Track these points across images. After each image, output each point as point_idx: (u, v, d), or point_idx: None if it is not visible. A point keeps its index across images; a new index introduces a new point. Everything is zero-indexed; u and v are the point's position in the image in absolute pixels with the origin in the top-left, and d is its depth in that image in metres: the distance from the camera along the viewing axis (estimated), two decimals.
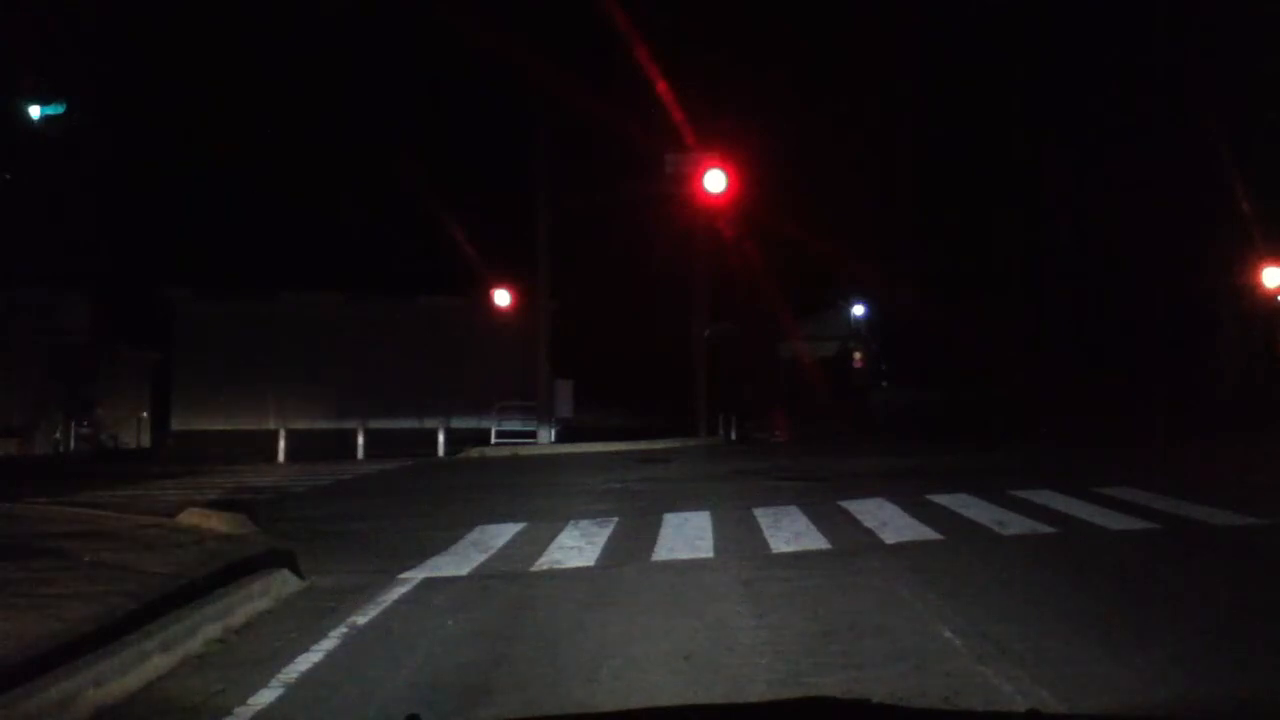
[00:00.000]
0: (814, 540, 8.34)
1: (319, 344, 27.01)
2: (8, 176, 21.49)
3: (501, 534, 9.23)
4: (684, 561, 7.64)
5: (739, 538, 8.58)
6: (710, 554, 7.89)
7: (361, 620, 6.07)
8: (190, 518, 9.39)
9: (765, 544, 8.24)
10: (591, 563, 7.76)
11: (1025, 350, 30.75)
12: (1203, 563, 7.32)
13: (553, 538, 8.88)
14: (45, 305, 23.65)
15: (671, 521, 9.54)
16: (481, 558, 8.09)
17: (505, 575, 7.38)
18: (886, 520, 9.13)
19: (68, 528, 8.76)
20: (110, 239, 26.38)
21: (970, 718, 3.44)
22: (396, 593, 6.84)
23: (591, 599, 6.49)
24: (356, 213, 29.73)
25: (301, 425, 24.40)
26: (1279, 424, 21.34)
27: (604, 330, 29.70)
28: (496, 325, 25.92)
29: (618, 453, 21.24)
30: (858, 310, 43.87)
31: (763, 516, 9.66)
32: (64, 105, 15.24)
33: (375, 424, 23.93)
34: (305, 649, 5.42)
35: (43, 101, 15.08)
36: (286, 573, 6.99)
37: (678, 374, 27.15)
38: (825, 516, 9.53)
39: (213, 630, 5.63)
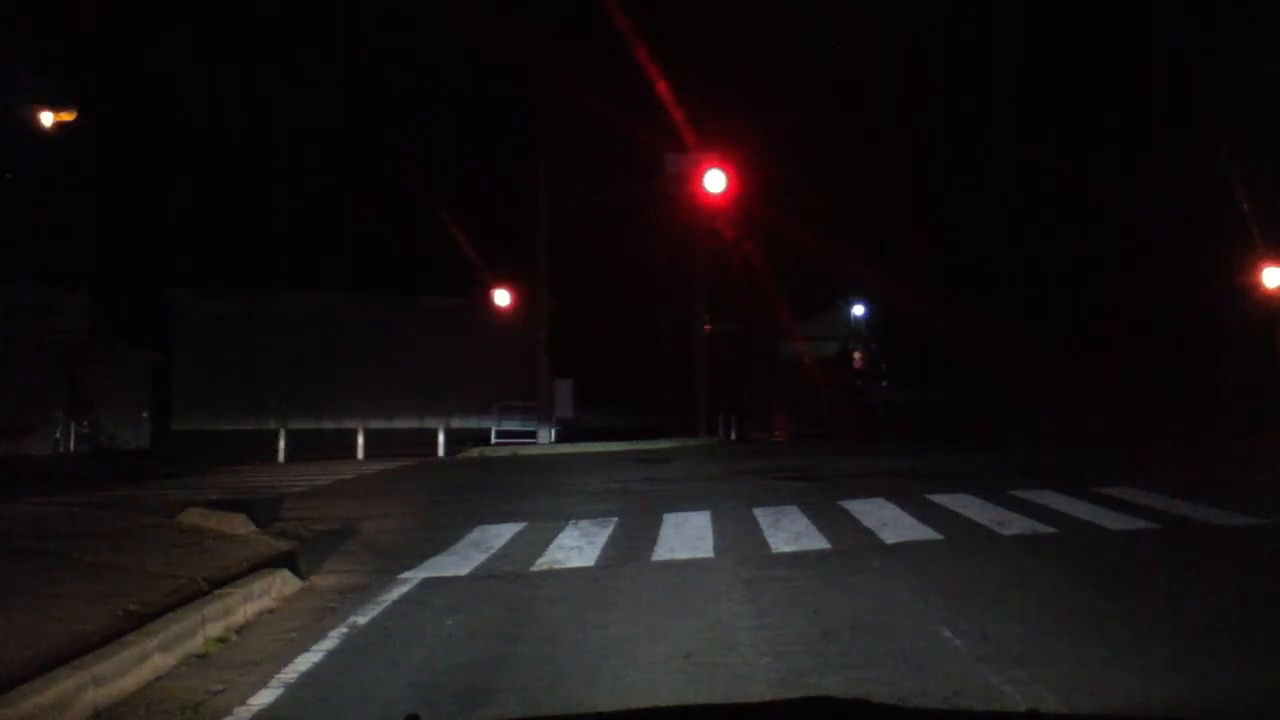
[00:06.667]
0: (814, 540, 8.34)
1: (319, 344, 27.01)
2: (8, 176, 21.45)
3: (501, 534, 9.23)
4: (684, 561, 7.64)
5: (739, 538, 8.58)
6: (710, 554, 7.89)
7: (361, 620, 6.07)
8: (190, 517, 9.39)
9: (765, 544, 8.23)
10: (591, 562, 7.76)
11: (1025, 350, 30.78)
12: (1203, 562, 7.32)
13: (553, 537, 8.88)
14: (45, 305, 23.63)
15: (671, 521, 9.54)
16: (481, 558, 8.09)
17: (505, 575, 7.37)
18: (886, 520, 9.13)
19: (67, 528, 8.76)
20: (110, 239, 26.38)
21: (970, 718, 3.43)
22: (396, 593, 6.84)
23: (592, 599, 6.49)
24: (356, 213, 29.72)
25: (301, 425, 24.41)
26: (1279, 424, 21.36)
27: (604, 330, 29.70)
28: (496, 325, 25.92)
29: (618, 453, 21.24)
30: (858, 310, 43.93)
31: (763, 516, 9.66)
32: (75, 111, 15.18)
33: (375, 424, 23.94)
34: (305, 649, 5.43)
35: (54, 108, 15.04)
36: (286, 573, 6.99)
37: (678, 374, 27.16)
38: (825, 516, 9.53)
39: (213, 630, 5.63)
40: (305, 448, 22.14)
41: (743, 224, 26.39)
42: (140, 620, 5.40)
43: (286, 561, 7.57)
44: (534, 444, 23.93)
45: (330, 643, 5.57)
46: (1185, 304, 28.03)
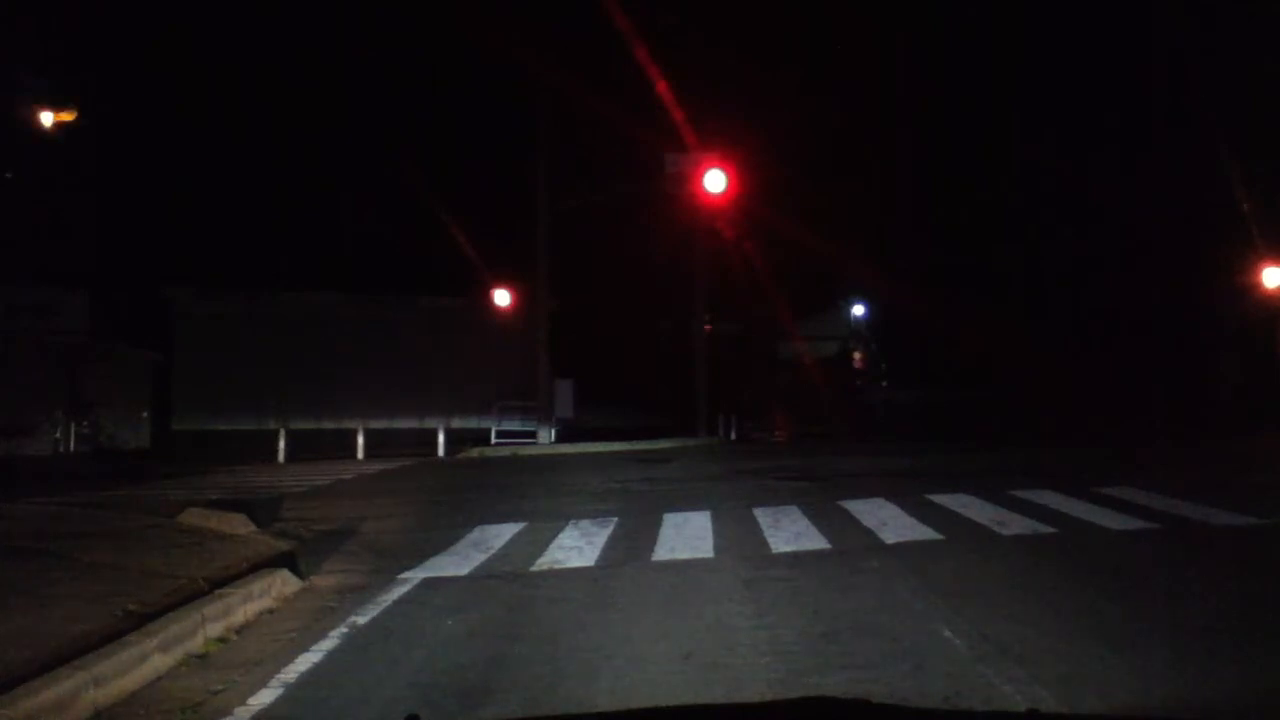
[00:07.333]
0: (814, 540, 8.34)
1: (319, 344, 27.01)
2: (8, 176, 21.46)
3: (501, 534, 9.23)
4: (684, 561, 7.64)
5: (739, 538, 8.58)
6: (710, 554, 7.89)
7: (361, 620, 6.07)
8: (190, 518, 9.39)
9: (765, 544, 8.23)
10: (591, 562, 7.76)
11: (1025, 350, 30.78)
12: (1203, 562, 7.32)
13: (553, 537, 8.88)
14: (45, 305, 23.62)
15: (671, 521, 9.54)
16: (481, 558, 8.09)
17: (505, 575, 7.37)
18: (886, 520, 9.13)
19: (67, 528, 8.76)
20: (110, 239, 26.37)
21: (970, 718, 3.44)
22: (396, 593, 6.84)
23: (591, 599, 6.49)
24: (356, 213, 29.71)
25: (301, 425, 24.40)
26: (1278, 425, 21.37)
27: (604, 330, 29.69)
28: (496, 325, 25.92)
29: (618, 453, 21.23)
30: (858, 310, 43.92)
31: (763, 516, 9.66)
32: (76, 111, 15.18)
33: (375, 424, 23.93)
34: (305, 649, 5.43)
35: (54, 108, 15.06)
36: (286, 573, 6.99)
37: (678, 374, 27.16)
38: (825, 516, 9.52)
39: (213, 630, 5.63)
40: (305, 448, 22.14)
41: (743, 224, 26.40)
42: (140, 620, 5.40)
43: (286, 561, 7.57)
44: (534, 444, 23.93)
45: (330, 643, 5.57)
46: (1185, 304, 28.02)
